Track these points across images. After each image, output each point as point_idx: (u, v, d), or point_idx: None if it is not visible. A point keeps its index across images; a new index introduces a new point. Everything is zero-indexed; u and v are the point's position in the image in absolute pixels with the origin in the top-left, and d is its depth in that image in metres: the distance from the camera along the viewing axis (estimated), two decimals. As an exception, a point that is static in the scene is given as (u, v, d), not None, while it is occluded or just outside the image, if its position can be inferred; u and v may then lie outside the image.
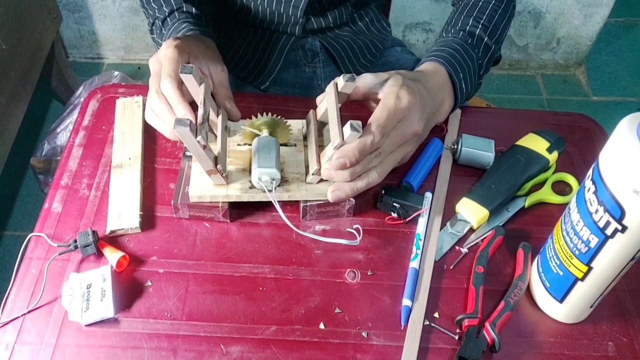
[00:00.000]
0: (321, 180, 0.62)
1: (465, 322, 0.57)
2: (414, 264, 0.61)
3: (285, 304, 0.58)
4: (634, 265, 0.52)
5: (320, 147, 0.63)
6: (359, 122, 0.56)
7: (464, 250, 0.64)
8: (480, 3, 0.77)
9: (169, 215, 0.64)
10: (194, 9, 0.79)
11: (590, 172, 0.51)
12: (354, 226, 0.63)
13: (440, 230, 0.65)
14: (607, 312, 0.60)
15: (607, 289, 0.54)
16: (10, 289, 0.58)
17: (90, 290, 0.57)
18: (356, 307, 0.59)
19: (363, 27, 0.91)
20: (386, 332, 0.57)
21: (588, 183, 0.51)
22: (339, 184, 0.60)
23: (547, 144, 0.70)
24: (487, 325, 0.56)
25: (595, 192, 0.49)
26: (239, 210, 0.65)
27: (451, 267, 0.62)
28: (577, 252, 0.53)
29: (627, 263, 0.51)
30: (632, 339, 0.58)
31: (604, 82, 1.97)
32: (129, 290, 0.58)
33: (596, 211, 0.49)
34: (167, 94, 0.63)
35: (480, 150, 0.70)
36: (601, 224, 0.49)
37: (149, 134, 0.72)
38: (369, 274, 0.61)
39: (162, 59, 0.65)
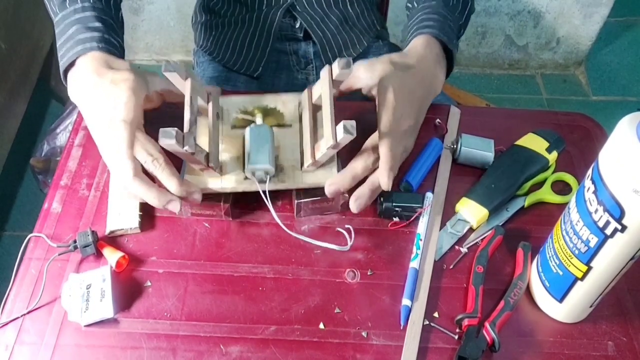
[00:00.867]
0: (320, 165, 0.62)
1: (465, 322, 0.57)
2: (414, 264, 0.61)
3: (285, 303, 0.58)
4: (633, 265, 0.52)
5: (315, 134, 0.61)
6: (353, 123, 0.55)
7: (464, 249, 0.64)
8: None
9: (168, 215, 0.64)
10: None
11: (589, 171, 0.51)
12: (346, 226, 0.63)
13: (440, 230, 0.65)
14: (607, 312, 0.60)
15: (606, 288, 0.54)
16: (10, 290, 0.58)
17: (90, 290, 0.57)
18: (356, 306, 0.59)
19: (353, 15, 0.91)
20: (386, 332, 0.57)
21: (588, 183, 0.51)
22: (338, 180, 0.60)
23: (546, 144, 0.70)
24: (487, 324, 0.56)
25: (594, 192, 0.49)
26: (240, 209, 0.65)
27: (451, 266, 0.62)
28: (576, 252, 0.53)
29: (626, 263, 0.51)
30: (632, 338, 0.58)
31: (604, 81, 1.97)
32: (128, 290, 0.58)
33: (596, 211, 0.49)
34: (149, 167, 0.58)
35: (480, 149, 0.69)
36: (601, 224, 0.49)
37: (149, 134, 0.72)
38: (368, 273, 0.61)
39: (117, 105, 0.56)
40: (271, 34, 0.87)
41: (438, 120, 0.74)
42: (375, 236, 0.64)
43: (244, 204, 0.65)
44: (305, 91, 0.63)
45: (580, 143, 0.75)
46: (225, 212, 0.63)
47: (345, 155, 0.64)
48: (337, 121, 0.57)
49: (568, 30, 1.92)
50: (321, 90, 0.60)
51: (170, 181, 0.57)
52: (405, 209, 0.64)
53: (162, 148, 0.56)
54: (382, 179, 0.59)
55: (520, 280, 0.60)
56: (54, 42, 1.61)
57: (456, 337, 0.57)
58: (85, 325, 0.56)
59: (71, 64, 0.61)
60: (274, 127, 0.63)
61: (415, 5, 0.74)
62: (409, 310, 0.58)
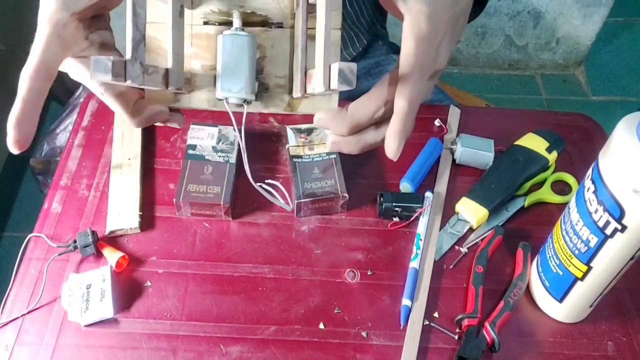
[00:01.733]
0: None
1: (465, 322, 0.57)
2: (414, 264, 0.61)
3: (285, 304, 0.58)
4: (633, 265, 0.52)
5: (308, 52, 0.45)
6: (353, 68, 0.39)
7: (464, 250, 0.64)
8: None
9: (168, 215, 0.64)
10: None
11: (589, 171, 0.51)
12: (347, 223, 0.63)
13: (440, 230, 0.65)
14: (607, 312, 0.60)
15: (606, 288, 0.54)
16: (10, 290, 0.58)
17: (90, 290, 0.57)
18: (356, 307, 0.59)
19: (352, 14, 0.90)
20: (386, 332, 0.57)
21: (587, 183, 0.51)
22: (331, 121, 0.45)
23: (546, 144, 0.70)
24: (487, 325, 0.56)
25: (594, 192, 0.49)
26: (240, 209, 0.65)
27: (451, 266, 0.62)
28: (576, 252, 0.53)
29: (626, 262, 0.51)
30: (632, 338, 0.58)
31: (604, 81, 1.98)
32: (128, 290, 0.58)
33: (596, 211, 0.49)
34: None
35: (480, 150, 0.70)
36: (601, 224, 0.49)
37: (148, 135, 0.72)
38: (368, 273, 0.61)
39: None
40: None
41: (438, 120, 0.74)
42: (375, 236, 0.64)
43: (243, 204, 0.65)
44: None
45: (580, 143, 0.75)
46: (225, 212, 0.63)
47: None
48: (333, 58, 0.42)
49: (568, 30, 1.92)
50: (317, 8, 0.42)
51: (122, 115, 0.46)
52: (405, 209, 0.64)
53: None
54: (390, 144, 0.43)
55: (520, 280, 0.60)
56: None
57: (456, 337, 0.57)
58: (85, 325, 0.56)
59: None
60: (258, 28, 0.47)
61: None
62: (409, 310, 0.58)
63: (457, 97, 1.16)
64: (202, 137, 0.67)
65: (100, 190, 0.66)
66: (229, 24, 0.46)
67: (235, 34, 0.45)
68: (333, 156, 0.67)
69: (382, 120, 0.45)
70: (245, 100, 0.46)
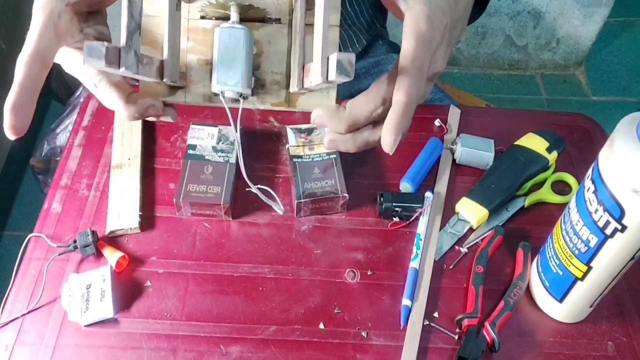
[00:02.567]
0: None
1: (465, 322, 0.57)
2: (414, 264, 0.61)
3: (285, 304, 0.58)
4: (633, 265, 0.52)
5: (306, 46, 0.45)
6: (352, 58, 0.38)
7: (464, 250, 0.64)
8: None
9: (168, 215, 0.64)
10: None
11: (589, 171, 0.51)
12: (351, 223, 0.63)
13: (440, 230, 0.65)
14: (607, 312, 0.60)
15: (606, 288, 0.54)
16: (10, 290, 0.58)
17: (90, 290, 0.57)
18: (356, 307, 0.59)
19: (352, 14, 0.91)
20: (386, 332, 0.57)
21: (587, 183, 0.51)
22: (329, 119, 0.45)
23: (546, 144, 0.70)
24: (487, 325, 0.56)
25: (594, 192, 0.49)
26: (240, 209, 0.65)
27: (451, 266, 0.62)
28: (576, 252, 0.53)
29: (626, 263, 0.51)
30: (632, 338, 0.58)
31: (604, 82, 1.98)
32: (128, 290, 0.58)
33: (596, 211, 0.49)
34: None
35: (480, 150, 0.70)
36: (601, 224, 0.49)
37: (149, 134, 0.72)
38: (368, 273, 0.61)
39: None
40: None
41: (438, 120, 0.74)
42: (375, 236, 0.64)
43: (244, 204, 0.65)
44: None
45: (580, 143, 0.75)
46: (226, 212, 0.63)
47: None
48: (331, 50, 0.41)
49: (568, 30, 1.92)
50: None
51: (116, 105, 0.45)
52: (405, 209, 0.64)
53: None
54: (386, 137, 0.42)
55: (520, 280, 0.60)
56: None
57: (456, 337, 0.57)
58: (85, 325, 0.56)
59: None
60: (256, 22, 0.47)
61: None
62: (409, 310, 0.58)
63: (457, 97, 1.16)
64: (202, 137, 0.67)
65: (100, 190, 0.66)
66: (226, 18, 0.45)
67: (232, 27, 0.44)
68: (333, 156, 0.67)
69: (380, 120, 0.45)
70: (241, 95, 0.45)
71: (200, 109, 0.74)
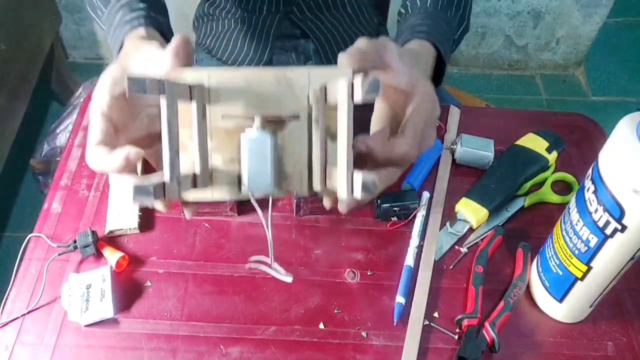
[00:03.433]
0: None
1: (465, 322, 0.57)
2: (408, 262, 0.61)
3: (285, 304, 0.58)
4: (633, 265, 0.52)
5: (327, 151, 0.48)
6: (375, 180, 0.42)
7: (464, 250, 0.64)
8: None
9: (168, 215, 0.64)
10: None
11: (589, 171, 0.51)
12: (347, 226, 0.63)
13: (440, 230, 0.65)
14: (607, 312, 0.60)
15: (606, 288, 0.54)
16: (10, 290, 0.58)
17: (90, 290, 0.57)
18: (356, 307, 0.59)
19: (353, 16, 0.91)
20: (386, 332, 0.57)
21: (587, 183, 0.51)
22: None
23: (546, 144, 0.70)
24: (487, 325, 0.56)
25: (594, 192, 0.49)
26: (240, 209, 0.65)
27: (451, 267, 0.62)
28: (576, 252, 0.53)
29: (626, 263, 0.51)
30: (632, 338, 0.58)
31: (603, 82, 1.97)
32: (128, 290, 0.58)
33: (596, 211, 0.49)
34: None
35: (480, 150, 0.70)
36: (601, 224, 0.49)
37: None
38: (368, 273, 0.61)
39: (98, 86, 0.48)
40: (270, 35, 0.87)
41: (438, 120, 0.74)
42: (374, 236, 0.64)
43: (244, 203, 0.65)
44: (319, 90, 0.47)
45: (580, 143, 0.75)
46: (231, 209, 0.63)
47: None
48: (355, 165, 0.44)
49: (568, 30, 1.92)
50: (338, 110, 0.45)
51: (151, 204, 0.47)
52: (402, 207, 0.64)
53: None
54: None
55: (520, 281, 0.60)
56: (54, 43, 1.62)
57: (456, 337, 0.57)
58: (85, 326, 0.56)
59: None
60: (276, 122, 0.49)
61: (409, 11, 0.68)
62: (402, 308, 0.58)
63: (457, 97, 1.16)
64: None
65: (100, 190, 0.66)
66: (248, 118, 0.47)
67: (258, 136, 0.46)
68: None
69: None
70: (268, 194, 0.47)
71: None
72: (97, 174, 0.67)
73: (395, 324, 0.57)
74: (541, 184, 0.70)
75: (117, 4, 0.62)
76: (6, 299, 0.57)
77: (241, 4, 0.88)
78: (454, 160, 0.71)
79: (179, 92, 0.44)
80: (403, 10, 0.70)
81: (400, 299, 0.58)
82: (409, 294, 0.59)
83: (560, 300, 0.57)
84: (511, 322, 0.58)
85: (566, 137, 0.72)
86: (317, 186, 0.47)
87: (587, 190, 0.50)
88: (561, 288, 0.56)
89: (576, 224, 0.52)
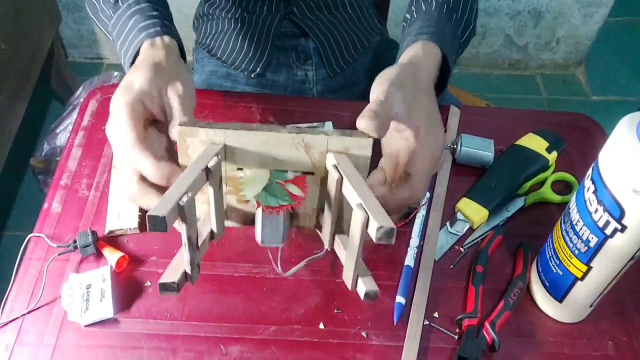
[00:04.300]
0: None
1: (465, 322, 0.57)
2: (408, 262, 0.61)
3: (285, 304, 0.58)
4: (633, 265, 0.52)
5: (339, 221, 0.52)
6: (378, 293, 0.47)
7: (464, 249, 0.64)
8: None
9: (168, 215, 0.64)
10: None
11: (589, 171, 0.51)
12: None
13: (440, 229, 0.65)
14: (607, 312, 0.60)
15: (606, 288, 0.54)
16: (10, 290, 0.58)
17: (90, 290, 0.57)
18: (356, 307, 0.59)
19: (353, 16, 0.91)
20: (386, 332, 0.57)
21: (587, 183, 0.51)
22: None
23: (546, 144, 0.70)
24: (487, 324, 0.56)
25: (594, 192, 0.49)
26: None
27: (451, 266, 0.62)
28: (576, 252, 0.53)
29: (626, 262, 0.51)
30: (632, 338, 0.58)
31: (604, 81, 1.97)
32: (128, 290, 0.58)
33: (596, 211, 0.49)
34: (148, 174, 0.50)
35: (480, 149, 0.70)
36: (601, 224, 0.49)
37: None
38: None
39: (117, 131, 0.52)
40: (270, 35, 0.87)
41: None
42: (375, 236, 0.64)
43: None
44: (335, 183, 0.48)
45: (580, 143, 0.75)
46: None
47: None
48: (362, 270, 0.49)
49: (568, 30, 1.92)
50: (350, 235, 0.47)
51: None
52: (405, 209, 0.64)
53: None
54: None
55: (520, 280, 0.60)
56: (54, 43, 1.62)
57: (456, 337, 0.57)
58: (85, 325, 0.56)
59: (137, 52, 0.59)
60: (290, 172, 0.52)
61: (415, 16, 0.68)
62: (402, 308, 0.58)
63: (458, 96, 1.16)
64: None
65: (100, 190, 0.66)
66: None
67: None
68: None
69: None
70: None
71: (199, 110, 0.74)
72: (97, 173, 0.67)
73: (395, 324, 0.57)
74: (541, 183, 0.70)
75: (128, 10, 0.63)
76: (6, 299, 0.57)
77: (241, 4, 0.88)
78: (454, 160, 0.71)
79: (197, 187, 0.45)
80: (408, 16, 0.70)
81: (400, 299, 0.58)
82: (409, 294, 0.59)
83: (560, 300, 0.57)
84: (511, 322, 0.58)
85: (566, 137, 0.72)
86: (325, 244, 0.53)
87: (587, 190, 0.50)
88: (561, 288, 0.56)
89: (576, 224, 0.52)
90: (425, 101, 0.54)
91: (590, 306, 0.57)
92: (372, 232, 0.42)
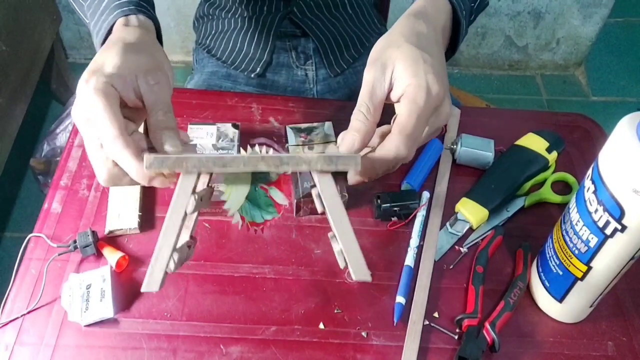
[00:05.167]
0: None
1: (465, 322, 0.57)
2: (408, 262, 0.61)
3: (285, 304, 0.58)
4: (633, 265, 0.52)
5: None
6: (368, 277, 0.47)
7: (464, 250, 0.64)
8: None
9: (168, 215, 0.64)
10: None
11: (589, 171, 0.51)
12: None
13: (440, 230, 0.65)
14: (607, 312, 0.60)
15: (606, 288, 0.54)
16: (10, 290, 0.58)
17: (90, 290, 0.57)
18: (356, 307, 0.59)
19: (353, 16, 0.91)
20: (386, 332, 0.57)
21: (587, 183, 0.51)
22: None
23: (546, 144, 0.70)
24: (487, 325, 0.56)
25: (594, 192, 0.49)
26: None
27: (451, 266, 0.62)
28: (576, 252, 0.53)
29: (626, 263, 0.51)
30: (632, 338, 0.58)
31: (603, 82, 1.97)
32: (128, 290, 0.58)
33: (596, 211, 0.49)
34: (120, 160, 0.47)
35: (480, 150, 0.70)
36: (601, 224, 0.49)
37: (148, 134, 0.72)
38: (368, 274, 0.61)
39: (89, 114, 0.47)
40: (270, 35, 0.87)
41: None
42: (374, 236, 0.64)
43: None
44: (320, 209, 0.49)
45: (580, 143, 0.75)
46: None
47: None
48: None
49: (568, 30, 1.92)
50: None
51: (127, 165, 0.47)
52: (403, 207, 0.64)
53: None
54: (355, 177, 0.50)
55: (520, 281, 0.60)
56: (54, 44, 1.62)
57: (456, 337, 0.57)
58: (85, 326, 0.56)
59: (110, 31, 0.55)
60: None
61: None
62: (402, 308, 0.58)
63: (458, 97, 1.16)
64: (201, 136, 0.67)
65: (100, 190, 0.66)
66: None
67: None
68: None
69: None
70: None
71: (199, 110, 0.74)
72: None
73: (395, 324, 0.57)
74: (541, 184, 0.70)
75: None
76: (6, 299, 0.57)
77: (241, 4, 0.88)
78: (454, 160, 0.71)
79: (177, 242, 0.48)
80: None
81: (400, 299, 0.58)
82: (409, 294, 0.59)
83: (560, 300, 0.57)
84: (511, 322, 0.58)
85: (566, 137, 0.72)
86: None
87: (587, 190, 0.50)
88: (561, 288, 0.56)
89: (576, 224, 0.52)
90: (426, 58, 0.50)
91: (590, 306, 0.57)
92: (352, 274, 0.47)
